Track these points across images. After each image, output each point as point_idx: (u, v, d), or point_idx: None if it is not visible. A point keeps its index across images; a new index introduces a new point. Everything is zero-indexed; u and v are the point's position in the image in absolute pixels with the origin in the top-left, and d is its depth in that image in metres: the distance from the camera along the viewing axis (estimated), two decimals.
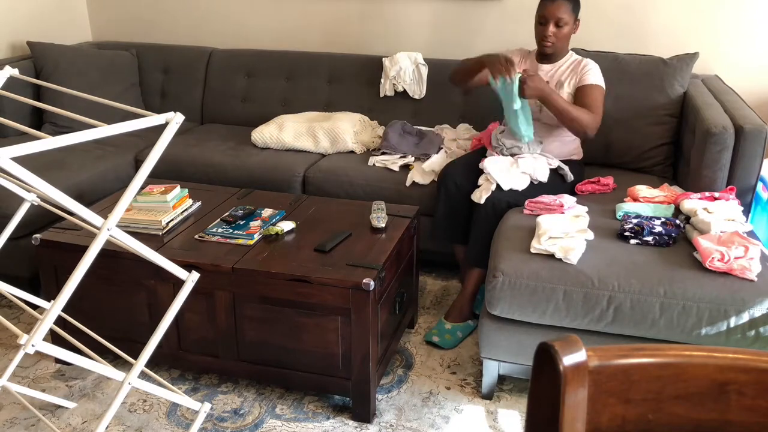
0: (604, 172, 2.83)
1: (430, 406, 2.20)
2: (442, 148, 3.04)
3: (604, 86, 2.66)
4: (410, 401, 2.22)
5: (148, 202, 2.34)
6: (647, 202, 2.38)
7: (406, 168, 2.96)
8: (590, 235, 2.15)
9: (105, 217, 1.52)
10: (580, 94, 2.64)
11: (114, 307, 2.24)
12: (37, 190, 1.45)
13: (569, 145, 2.74)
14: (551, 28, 2.61)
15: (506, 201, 2.44)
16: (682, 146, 2.80)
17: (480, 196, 2.46)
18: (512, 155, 2.63)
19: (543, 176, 2.54)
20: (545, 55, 2.71)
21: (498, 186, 2.46)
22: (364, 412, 2.12)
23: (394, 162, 2.97)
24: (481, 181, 2.54)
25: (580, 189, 2.61)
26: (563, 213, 2.28)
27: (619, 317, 1.96)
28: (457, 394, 2.26)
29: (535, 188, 2.50)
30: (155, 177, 2.39)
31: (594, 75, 2.65)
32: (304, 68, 3.54)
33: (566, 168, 2.63)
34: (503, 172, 2.50)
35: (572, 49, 3.02)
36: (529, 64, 2.76)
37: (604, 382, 0.77)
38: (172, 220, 2.32)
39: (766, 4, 3.05)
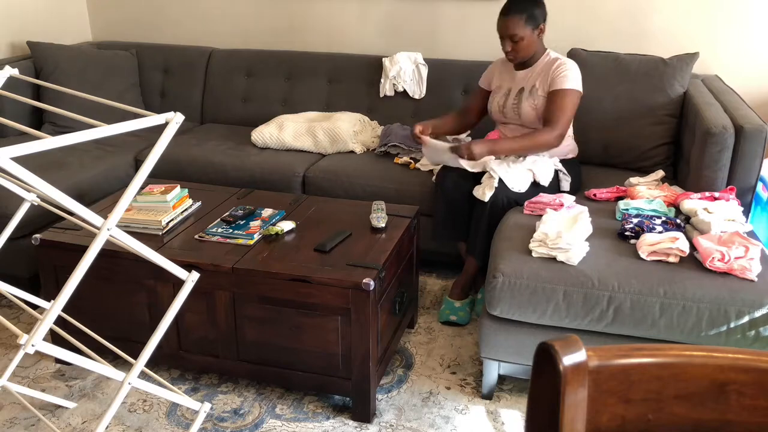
0: (603, 172, 2.83)
1: (430, 406, 2.20)
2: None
3: (578, 88, 2.59)
4: (410, 401, 2.22)
5: (148, 202, 2.34)
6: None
7: (407, 166, 2.97)
8: (589, 231, 2.15)
9: (105, 217, 1.51)
10: (548, 100, 2.60)
11: (114, 307, 2.24)
12: (37, 190, 1.45)
13: (563, 145, 2.73)
14: (509, 44, 2.59)
15: (507, 197, 2.44)
16: (682, 146, 2.80)
17: (483, 193, 2.46)
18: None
19: (545, 179, 2.54)
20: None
21: (501, 182, 2.46)
22: (364, 412, 2.12)
23: (400, 156, 3.02)
24: (484, 178, 2.54)
25: (593, 194, 2.56)
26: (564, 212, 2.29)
27: (619, 317, 1.95)
28: (457, 394, 2.26)
29: (536, 190, 2.50)
30: (155, 177, 2.38)
31: (566, 79, 2.57)
32: (304, 68, 3.54)
33: (567, 175, 2.62)
34: (508, 170, 2.51)
35: (572, 49, 3.02)
36: (506, 71, 2.75)
37: (604, 382, 0.77)
38: (172, 220, 2.32)
39: (766, 4, 3.05)
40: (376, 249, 2.15)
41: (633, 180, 2.65)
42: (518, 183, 2.48)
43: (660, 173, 2.69)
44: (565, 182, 2.62)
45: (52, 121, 3.34)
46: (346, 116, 3.26)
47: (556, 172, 2.62)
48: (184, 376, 2.34)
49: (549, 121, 2.57)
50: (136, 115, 1.53)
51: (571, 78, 2.58)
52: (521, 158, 2.60)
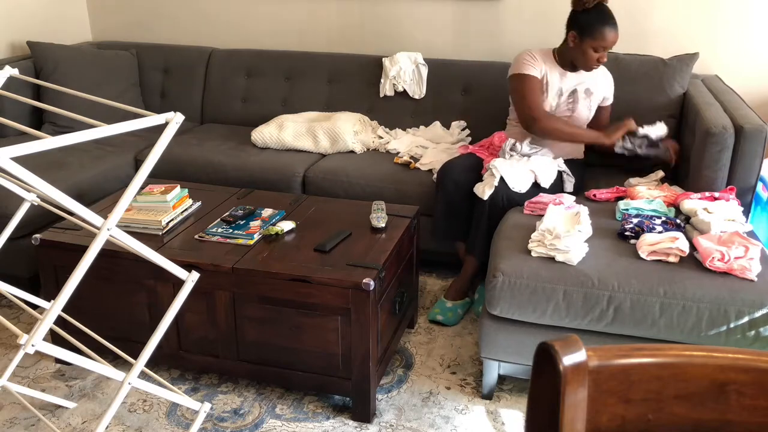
0: (603, 172, 2.83)
1: (430, 406, 2.20)
2: None
3: None
4: (410, 401, 2.22)
5: (148, 202, 2.33)
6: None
7: (407, 166, 2.97)
8: (589, 234, 2.15)
9: (105, 217, 1.52)
10: (604, 113, 2.81)
11: (114, 307, 2.24)
12: (37, 190, 1.45)
13: (570, 145, 2.73)
14: (604, 54, 2.62)
15: (508, 196, 2.44)
16: (682, 146, 2.80)
17: (483, 190, 2.47)
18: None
19: (547, 181, 2.54)
20: (569, 62, 2.69)
21: (502, 181, 2.47)
22: (364, 412, 2.12)
23: (400, 156, 3.04)
24: (485, 176, 2.54)
25: (593, 194, 2.56)
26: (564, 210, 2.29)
27: (619, 317, 1.95)
28: (457, 394, 2.26)
29: (536, 191, 2.50)
30: (155, 177, 2.39)
31: (613, 91, 2.82)
32: (304, 68, 3.54)
33: (571, 176, 2.63)
34: (510, 169, 2.51)
35: None
36: (554, 70, 2.71)
37: (604, 382, 0.77)
38: (172, 220, 2.32)
39: (766, 4, 3.05)
40: (376, 249, 2.15)
41: (633, 180, 2.65)
42: (519, 183, 2.48)
43: (659, 173, 2.70)
44: (569, 183, 2.62)
45: (52, 121, 3.34)
46: (346, 116, 3.26)
47: (560, 173, 2.62)
48: (184, 376, 2.34)
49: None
50: (136, 115, 1.53)
51: (613, 90, 2.83)
52: (525, 157, 2.60)
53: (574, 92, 2.70)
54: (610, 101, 2.82)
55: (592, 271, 1.99)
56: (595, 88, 2.71)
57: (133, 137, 2.90)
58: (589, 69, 2.67)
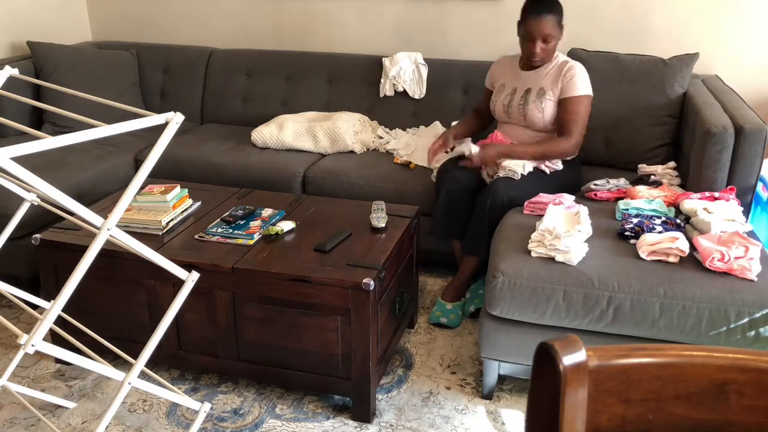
0: (604, 172, 2.83)
1: (430, 406, 2.20)
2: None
3: (590, 92, 2.60)
4: (410, 401, 2.22)
5: (148, 202, 2.34)
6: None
7: (407, 166, 2.97)
8: (589, 234, 2.15)
9: (105, 217, 1.52)
10: (561, 108, 2.59)
11: (114, 307, 2.24)
12: (37, 190, 1.45)
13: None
14: (540, 45, 2.53)
15: (507, 197, 2.44)
16: (682, 146, 2.80)
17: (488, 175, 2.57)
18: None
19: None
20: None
21: (503, 180, 2.49)
22: (364, 412, 2.12)
23: (398, 155, 3.04)
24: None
25: (593, 194, 2.56)
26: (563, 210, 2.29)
27: (619, 317, 1.95)
28: (457, 394, 2.26)
29: (536, 186, 2.49)
30: (155, 177, 2.39)
31: (578, 85, 2.56)
32: (304, 68, 3.54)
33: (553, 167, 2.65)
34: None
35: (572, 49, 3.02)
36: (511, 70, 2.73)
37: (604, 382, 0.77)
38: (172, 220, 2.32)
39: (766, 4, 3.05)
40: (376, 249, 2.15)
41: (643, 166, 2.76)
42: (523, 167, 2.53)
43: (672, 164, 2.75)
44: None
45: (52, 121, 3.34)
46: (346, 116, 3.26)
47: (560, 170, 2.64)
48: (184, 376, 2.34)
49: (565, 131, 2.58)
50: (136, 115, 1.53)
51: (581, 84, 2.57)
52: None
53: (527, 92, 2.63)
54: (569, 94, 2.56)
55: (592, 271, 1.99)
56: (548, 86, 2.60)
57: (133, 137, 2.89)
58: (530, 62, 2.61)
